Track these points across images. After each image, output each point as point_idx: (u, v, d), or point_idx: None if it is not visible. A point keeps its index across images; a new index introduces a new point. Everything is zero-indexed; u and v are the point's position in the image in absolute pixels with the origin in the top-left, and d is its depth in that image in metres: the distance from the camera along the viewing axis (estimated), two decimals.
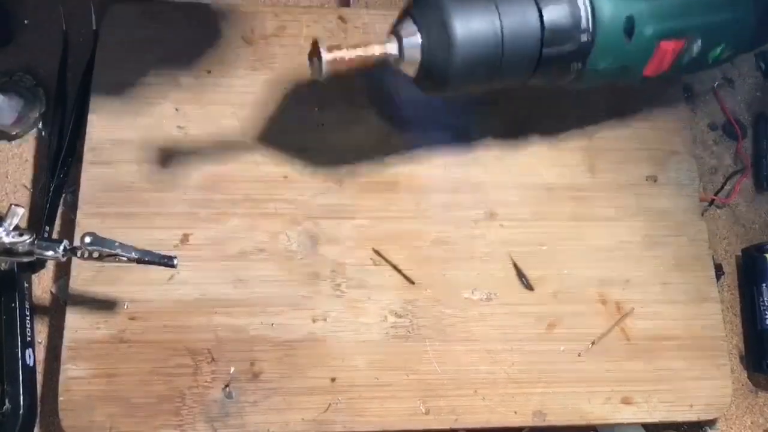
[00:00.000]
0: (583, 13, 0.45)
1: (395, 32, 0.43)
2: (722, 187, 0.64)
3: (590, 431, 0.55)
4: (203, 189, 0.54)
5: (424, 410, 0.52)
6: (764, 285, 0.59)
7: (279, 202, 0.55)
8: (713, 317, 0.57)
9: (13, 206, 0.45)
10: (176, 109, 0.56)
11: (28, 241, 0.45)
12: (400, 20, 0.44)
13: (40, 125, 0.58)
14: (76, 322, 0.51)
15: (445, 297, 0.54)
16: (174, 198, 0.54)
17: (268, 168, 0.55)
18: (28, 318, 0.52)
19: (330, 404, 0.51)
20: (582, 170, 0.59)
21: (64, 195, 0.56)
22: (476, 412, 0.52)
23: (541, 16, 0.43)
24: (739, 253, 0.63)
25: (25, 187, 0.57)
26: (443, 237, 0.55)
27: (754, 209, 0.65)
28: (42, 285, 0.55)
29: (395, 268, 0.54)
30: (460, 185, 0.57)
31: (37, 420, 0.52)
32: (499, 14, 0.43)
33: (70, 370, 0.50)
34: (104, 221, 0.52)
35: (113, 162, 0.54)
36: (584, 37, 0.45)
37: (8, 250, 0.45)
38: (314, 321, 0.52)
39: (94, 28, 0.58)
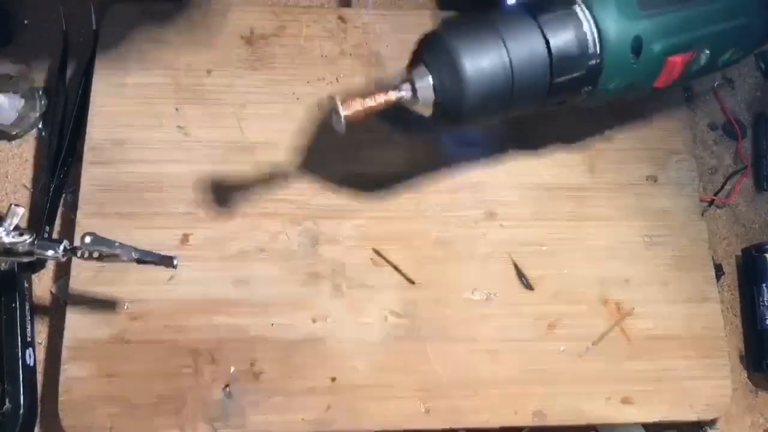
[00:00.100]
0: (590, 38, 0.45)
1: (408, 77, 0.43)
2: (722, 187, 0.64)
3: (590, 431, 0.55)
4: (203, 189, 0.54)
5: (424, 410, 0.52)
6: (764, 285, 0.59)
7: (279, 202, 0.55)
8: (713, 317, 0.57)
9: (13, 206, 0.45)
10: (176, 109, 0.56)
11: (28, 241, 0.45)
12: (412, 65, 0.44)
13: (40, 125, 0.58)
14: (76, 322, 0.51)
15: (445, 297, 0.54)
16: (174, 198, 0.54)
17: (269, 168, 0.55)
18: (28, 318, 0.52)
19: (330, 404, 0.51)
20: (582, 170, 0.59)
21: (64, 195, 0.56)
22: (476, 412, 0.52)
23: (548, 45, 0.44)
24: (739, 253, 0.63)
25: (25, 187, 0.57)
26: (443, 237, 0.55)
27: (754, 209, 0.65)
28: (42, 285, 0.55)
29: (395, 268, 0.54)
30: (460, 185, 0.57)
31: (38, 420, 0.52)
32: (507, 49, 0.43)
33: (70, 370, 0.50)
34: (104, 221, 0.52)
35: (113, 162, 0.54)
36: (593, 61, 0.45)
37: (8, 250, 0.45)
38: (314, 321, 0.52)
39: (94, 28, 0.58)
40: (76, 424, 0.49)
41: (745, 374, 0.60)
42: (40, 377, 0.53)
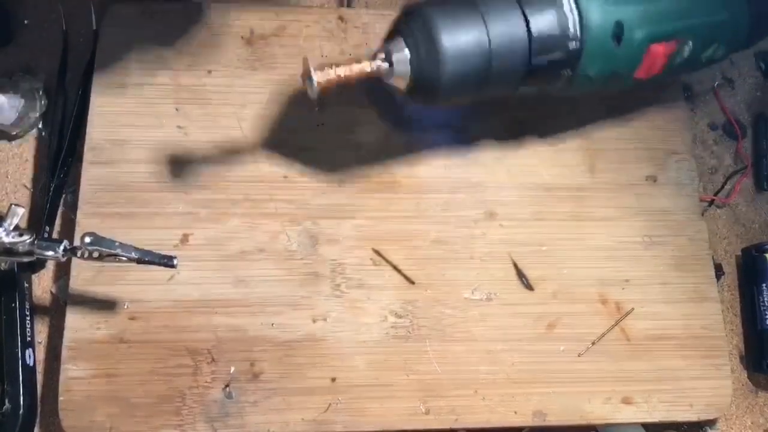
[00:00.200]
0: (570, 21, 0.45)
1: (385, 48, 0.43)
2: (722, 187, 0.64)
3: (590, 431, 0.55)
4: (203, 189, 0.54)
5: (424, 410, 0.52)
6: (764, 285, 0.59)
7: (279, 202, 0.55)
8: (713, 317, 0.57)
9: (13, 206, 0.45)
10: (176, 109, 0.56)
11: (28, 241, 0.45)
12: (390, 36, 0.44)
13: (40, 125, 0.58)
14: (76, 322, 0.51)
15: (445, 297, 0.54)
16: (174, 198, 0.54)
17: (268, 168, 0.55)
18: (28, 318, 0.52)
19: (330, 404, 0.51)
20: (582, 170, 0.59)
21: (64, 195, 0.56)
22: (476, 412, 0.52)
23: (528, 25, 0.43)
24: (739, 253, 0.63)
25: (25, 187, 0.57)
26: (443, 237, 0.55)
27: (754, 209, 0.65)
28: (42, 285, 0.55)
29: (395, 268, 0.54)
30: (460, 185, 0.57)
31: (37, 420, 0.52)
32: (486, 26, 0.43)
33: (70, 370, 0.50)
34: (104, 221, 0.52)
35: (113, 162, 0.54)
36: (573, 44, 0.45)
37: (8, 250, 0.45)
38: (314, 321, 0.53)
39: (94, 28, 0.58)
40: (75, 424, 0.49)
41: (745, 374, 0.60)
42: (40, 377, 0.53)
